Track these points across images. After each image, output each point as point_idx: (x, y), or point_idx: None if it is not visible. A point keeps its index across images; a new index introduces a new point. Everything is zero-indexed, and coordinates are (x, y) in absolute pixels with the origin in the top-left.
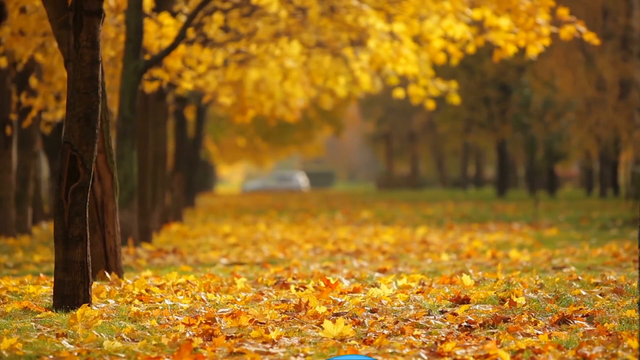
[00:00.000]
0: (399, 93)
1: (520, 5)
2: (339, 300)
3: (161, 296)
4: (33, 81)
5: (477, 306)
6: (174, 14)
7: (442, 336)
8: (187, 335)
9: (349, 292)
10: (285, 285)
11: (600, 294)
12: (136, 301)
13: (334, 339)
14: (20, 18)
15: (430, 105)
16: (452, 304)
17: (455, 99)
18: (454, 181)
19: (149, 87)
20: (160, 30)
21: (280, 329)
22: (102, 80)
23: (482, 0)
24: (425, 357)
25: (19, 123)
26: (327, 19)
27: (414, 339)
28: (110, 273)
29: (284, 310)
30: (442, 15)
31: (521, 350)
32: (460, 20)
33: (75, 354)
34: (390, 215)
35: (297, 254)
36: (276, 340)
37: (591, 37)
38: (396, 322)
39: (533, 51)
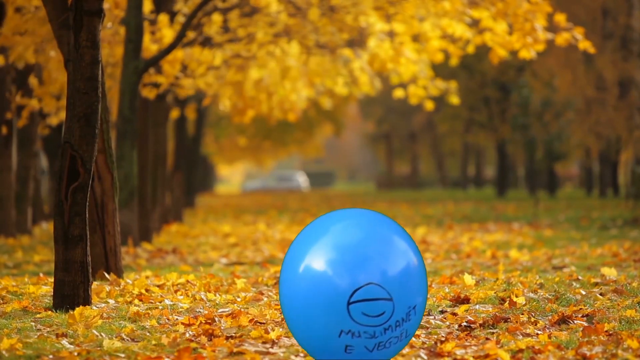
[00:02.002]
0: (398, 93)
1: (518, 9)
2: None
3: (161, 296)
4: (33, 81)
5: (477, 306)
6: (173, 14)
7: (442, 336)
8: (187, 335)
9: None
10: None
11: (600, 294)
12: (136, 301)
13: None
14: (17, 18)
15: (429, 106)
16: (452, 304)
17: (454, 100)
18: (454, 181)
19: (148, 93)
20: (159, 32)
21: (280, 329)
22: (102, 80)
23: (481, 0)
24: (425, 357)
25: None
26: (326, 18)
27: (414, 339)
28: (110, 273)
29: None
30: (442, 16)
31: (521, 350)
32: (460, 20)
33: (75, 354)
34: (390, 215)
35: None
36: (276, 340)
37: (587, 45)
38: None
39: (526, 55)
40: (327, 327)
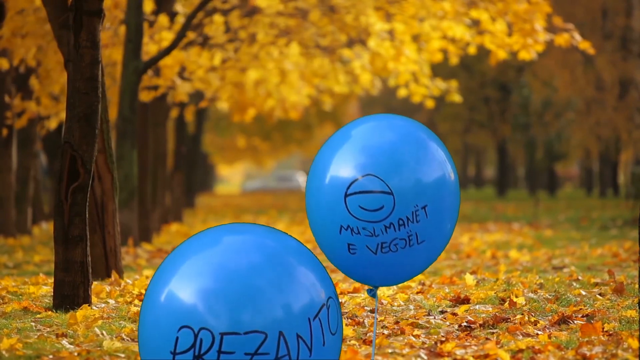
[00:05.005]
0: (402, 92)
1: (519, 10)
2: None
3: None
4: (33, 82)
5: (477, 306)
6: (173, 15)
7: (442, 336)
8: None
9: (348, 292)
10: None
11: (600, 294)
12: (136, 301)
13: None
14: (17, 19)
15: (430, 104)
16: (452, 304)
17: (456, 97)
18: None
19: (146, 97)
20: (159, 33)
21: None
22: (102, 80)
23: (480, 1)
24: (425, 357)
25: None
26: (327, 19)
27: (414, 339)
28: (110, 273)
29: None
30: (441, 17)
31: (521, 350)
32: (460, 21)
33: (75, 354)
34: None
35: None
36: None
37: (586, 46)
38: (396, 322)
39: (526, 56)
40: (330, 223)
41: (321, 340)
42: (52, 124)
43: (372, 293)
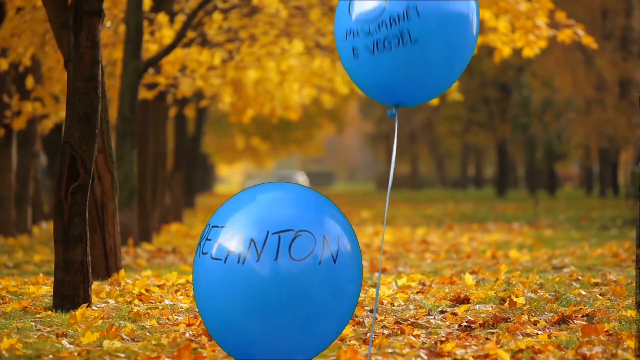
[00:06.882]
0: None
1: (519, 7)
2: None
3: (161, 296)
4: (29, 82)
5: (477, 306)
6: (173, 14)
7: (442, 336)
8: (187, 335)
9: None
10: None
11: (600, 294)
12: (136, 301)
13: None
14: (16, 19)
15: (433, 100)
16: (452, 304)
17: (456, 96)
18: (453, 181)
19: (147, 94)
20: (159, 32)
21: None
22: (102, 80)
23: (481, 1)
24: (425, 357)
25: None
26: (327, 18)
27: (413, 339)
28: (110, 273)
29: None
30: None
31: (521, 350)
32: None
33: (76, 354)
34: (390, 215)
35: None
36: None
37: (589, 41)
38: (396, 322)
39: (529, 53)
40: (339, 31)
41: (274, 255)
42: (49, 124)
43: (392, 113)
